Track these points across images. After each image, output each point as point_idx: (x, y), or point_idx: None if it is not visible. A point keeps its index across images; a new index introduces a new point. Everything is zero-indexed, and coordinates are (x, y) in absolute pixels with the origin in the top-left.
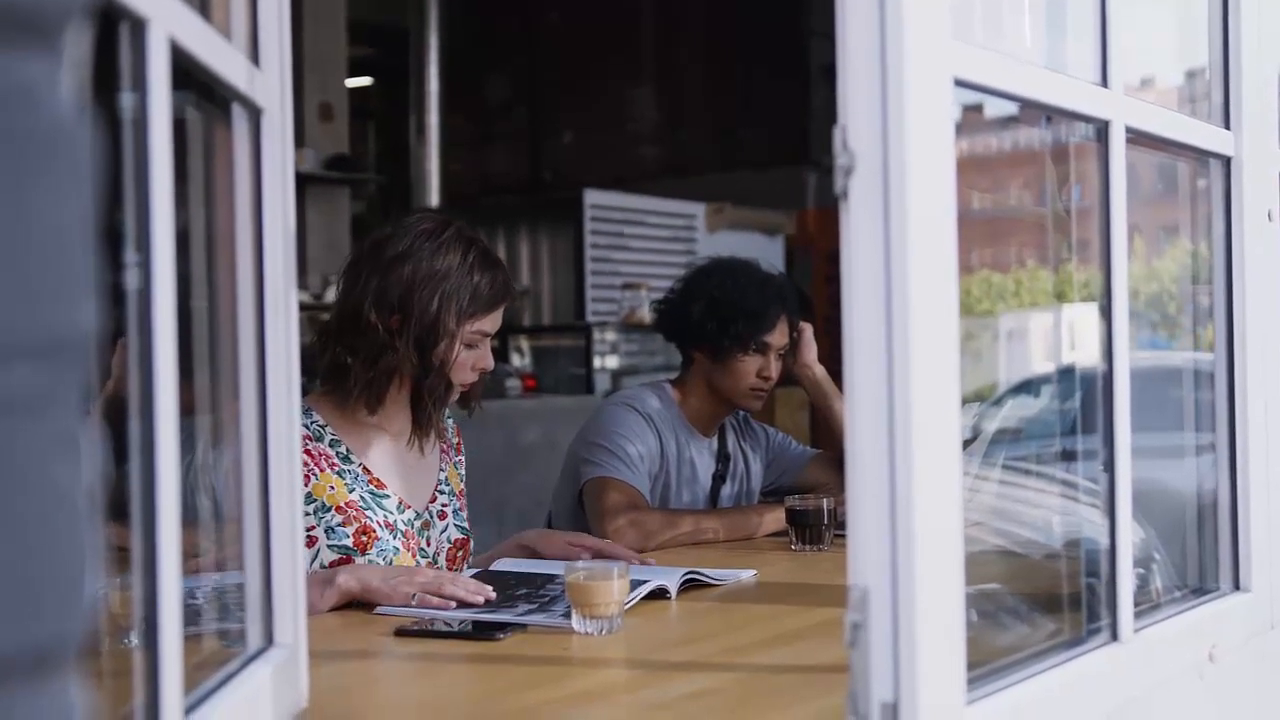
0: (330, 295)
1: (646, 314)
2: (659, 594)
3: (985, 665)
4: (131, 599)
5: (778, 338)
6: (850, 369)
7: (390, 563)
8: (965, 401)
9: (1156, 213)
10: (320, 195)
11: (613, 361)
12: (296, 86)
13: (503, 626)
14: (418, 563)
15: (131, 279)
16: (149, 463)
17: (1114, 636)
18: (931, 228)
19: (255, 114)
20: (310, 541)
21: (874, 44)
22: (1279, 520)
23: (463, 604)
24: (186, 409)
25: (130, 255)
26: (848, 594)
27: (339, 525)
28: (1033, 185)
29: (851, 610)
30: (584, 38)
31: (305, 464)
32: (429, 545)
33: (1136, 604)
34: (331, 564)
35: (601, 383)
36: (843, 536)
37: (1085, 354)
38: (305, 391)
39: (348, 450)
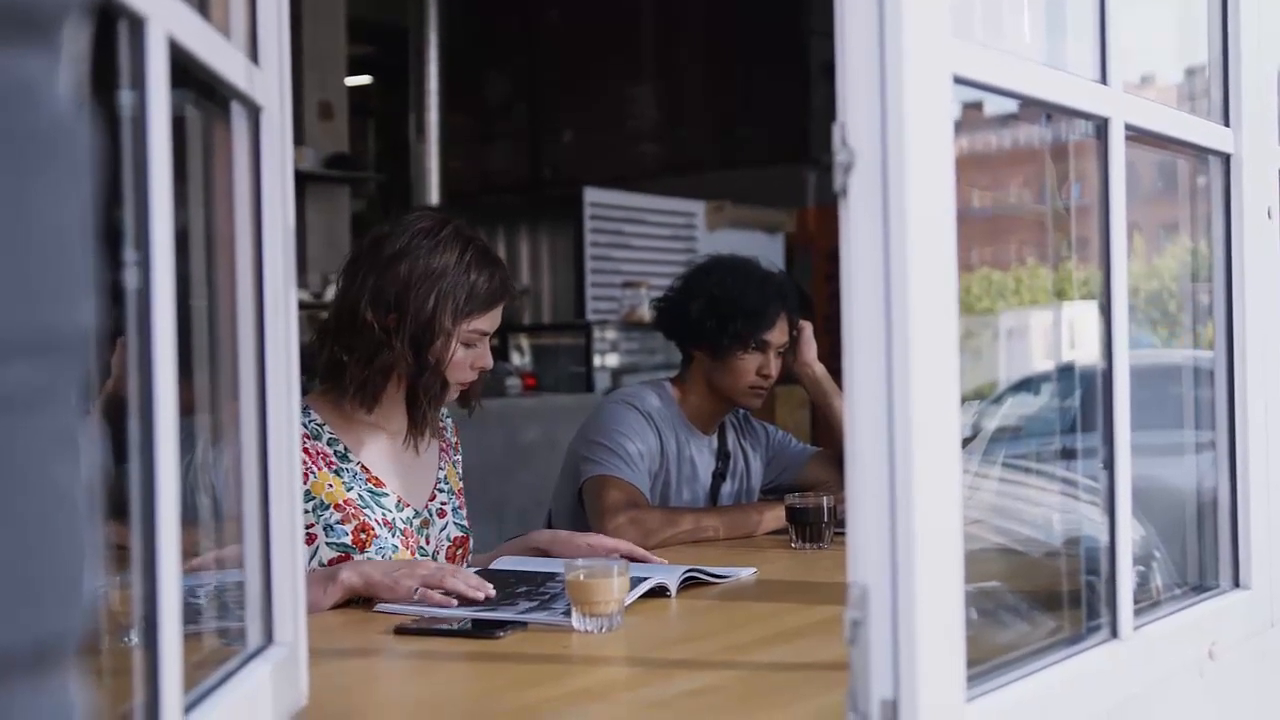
0: (330, 294)
1: (646, 312)
2: (659, 592)
3: (985, 663)
4: (131, 597)
5: (777, 336)
6: (850, 367)
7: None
8: (965, 399)
9: (1157, 210)
10: (320, 194)
11: (613, 360)
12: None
13: (502, 624)
14: None
15: (131, 278)
16: (148, 461)
17: (1114, 634)
18: (931, 225)
19: (254, 112)
20: (309, 539)
21: (873, 42)
22: (1279, 518)
23: (463, 599)
24: (186, 408)
25: (129, 254)
26: (847, 591)
27: (338, 523)
28: (1033, 183)
29: (851, 608)
30: (584, 36)
31: (303, 462)
32: (428, 543)
33: (1136, 601)
34: (330, 562)
35: (601, 381)
36: (843, 534)
37: (1085, 352)
38: (304, 390)
39: (346, 449)
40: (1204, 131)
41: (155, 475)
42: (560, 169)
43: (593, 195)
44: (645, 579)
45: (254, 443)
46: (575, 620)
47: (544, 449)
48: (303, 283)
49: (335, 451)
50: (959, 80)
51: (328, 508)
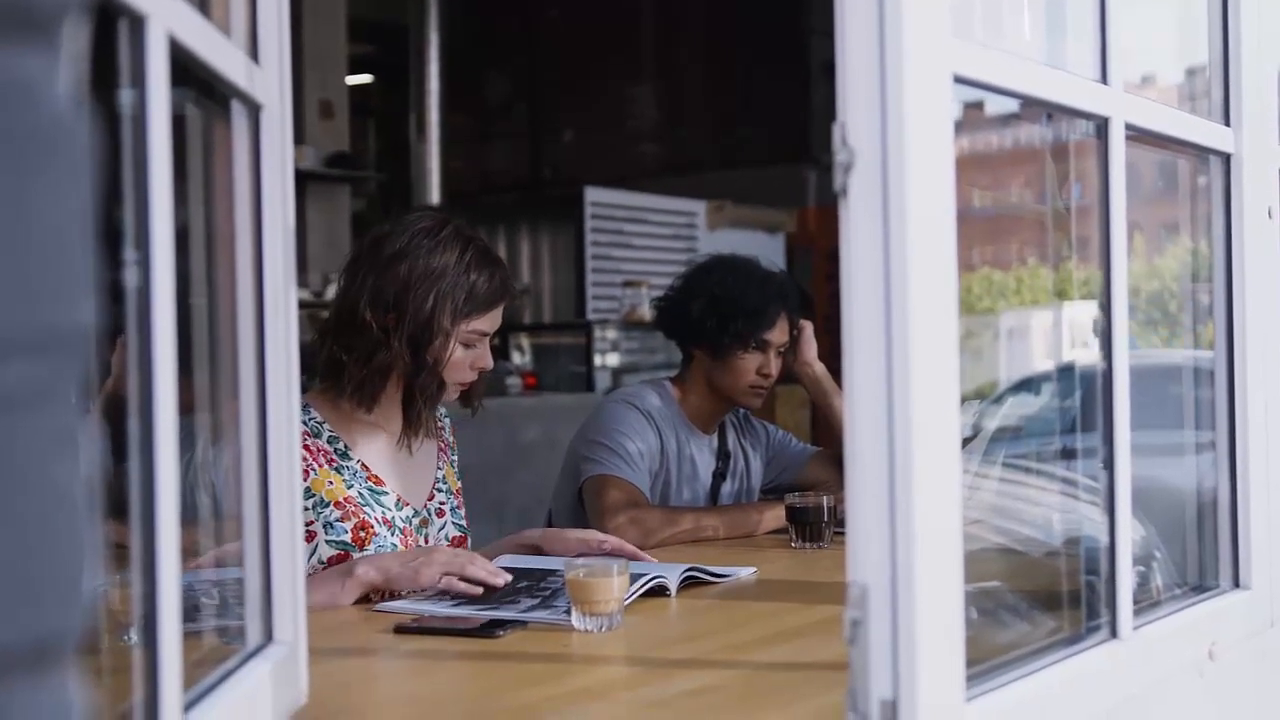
0: (330, 293)
1: (647, 312)
2: (659, 591)
3: (985, 662)
4: (131, 596)
5: (778, 335)
6: (850, 366)
7: None
8: (965, 399)
9: (1158, 210)
10: (320, 193)
11: (613, 359)
12: (297, 84)
13: (502, 623)
14: None
15: (131, 277)
16: (148, 460)
17: (1113, 634)
18: (931, 225)
19: (255, 111)
20: (309, 537)
21: (873, 41)
22: (1279, 518)
23: (485, 587)
24: (186, 407)
25: (129, 253)
26: (847, 591)
27: (337, 521)
28: (1034, 183)
29: (851, 607)
30: (584, 36)
31: (304, 459)
32: (427, 542)
33: (1136, 601)
34: (330, 559)
35: (602, 380)
36: (843, 534)
37: (1085, 352)
38: (304, 389)
39: (346, 447)
40: (1204, 131)
41: (155, 474)
42: (560, 169)
43: (593, 195)
44: (645, 577)
45: (254, 441)
46: (575, 619)
47: (544, 448)
48: (303, 282)
49: (335, 449)
50: (959, 80)
51: (328, 505)
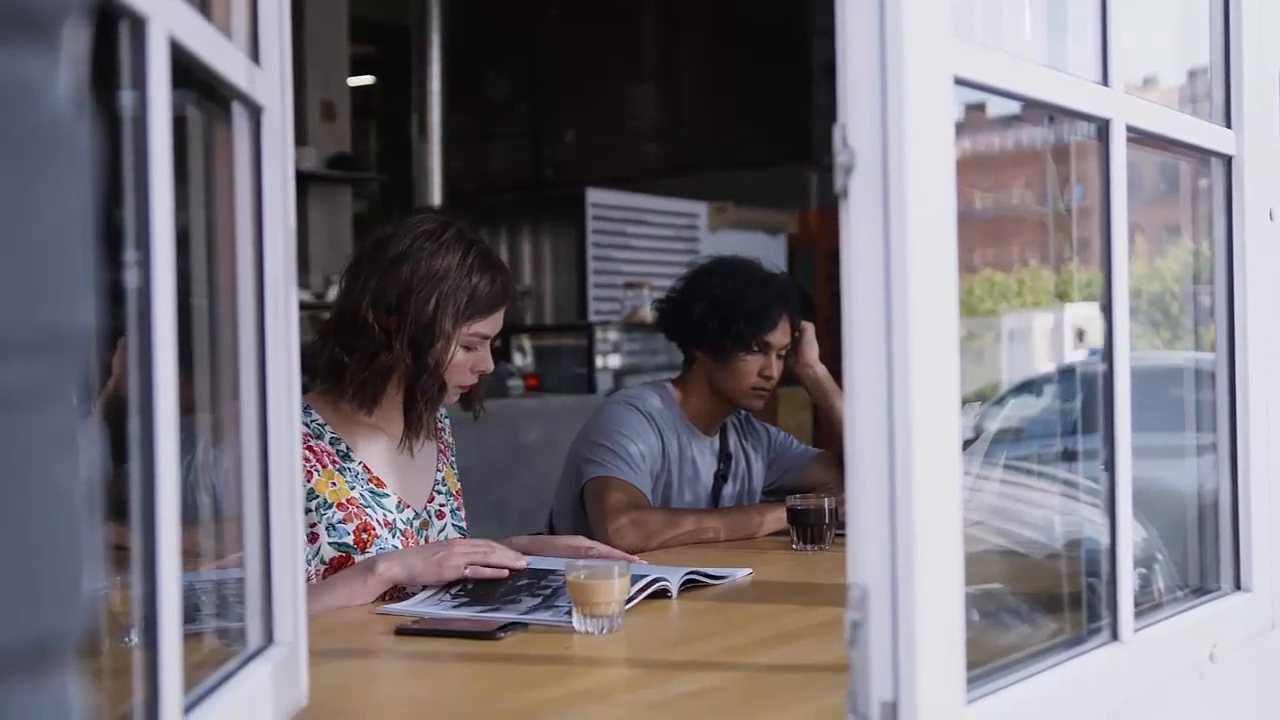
0: (332, 294)
1: (648, 313)
2: (660, 593)
3: (985, 665)
4: (132, 597)
5: (779, 337)
6: (850, 368)
7: None
8: (967, 401)
9: (1160, 212)
10: (322, 194)
11: (615, 361)
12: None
13: (503, 625)
14: None
15: (131, 278)
16: (149, 461)
17: (1114, 636)
18: (931, 226)
19: (255, 112)
20: (312, 539)
21: (874, 42)
22: (1279, 520)
23: (485, 587)
24: (187, 407)
25: (130, 254)
26: (847, 593)
27: (340, 522)
28: (1036, 185)
29: (851, 609)
30: (585, 36)
31: (307, 460)
32: (427, 545)
33: (1138, 604)
34: (332, 561)
35: (603, 382)
36: (844, 536)
37: (1086, 353)
38: (305, 390)
39: (347, 449)
40: (1205, 133)
41: (155, 475)
42: (562, 169)
43: (595, 196)
44: (645, 579)
45: (254, 443)
46: (576, 621)
47: (546, 450)
48: (305, 283)
49: (337, 451)
50: (959, 81)
51: (330, 506)
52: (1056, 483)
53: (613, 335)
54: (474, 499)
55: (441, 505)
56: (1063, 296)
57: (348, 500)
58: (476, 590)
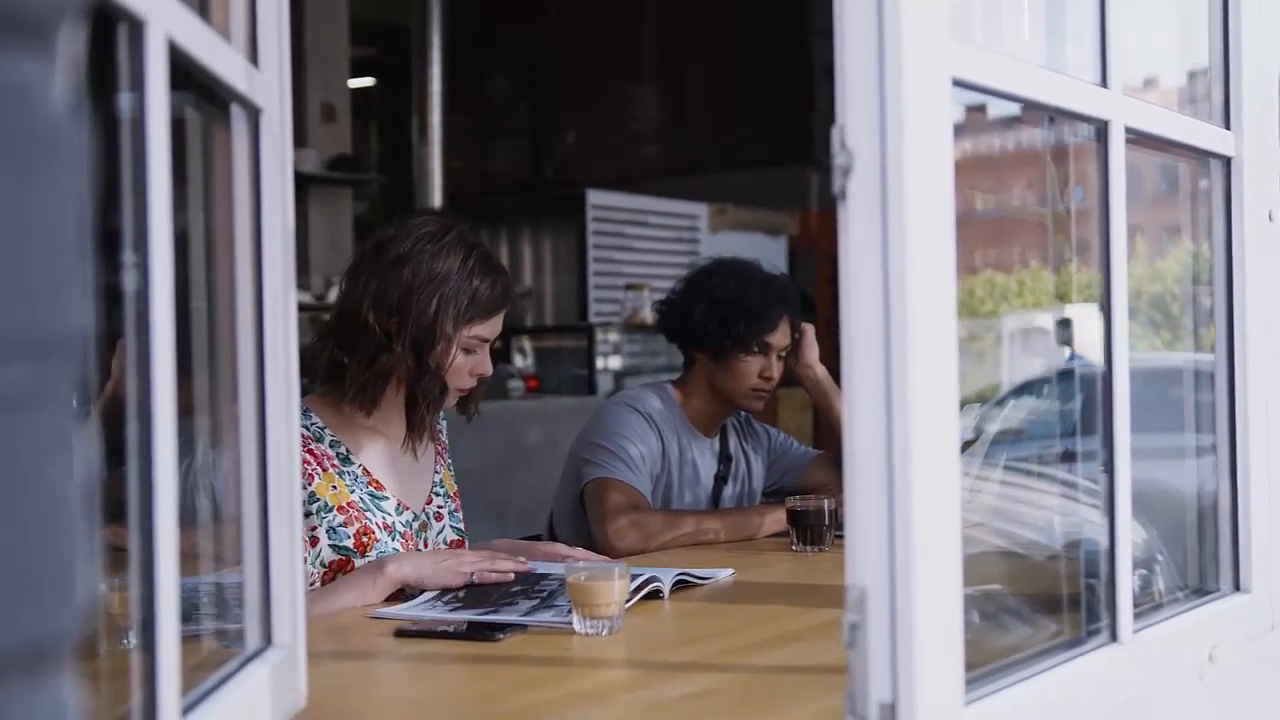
0: (332, 296)
1: (649, 314)
2: (651, 595)
3: (984, 666)
4: (130, 599)
5: (779, 338)
6: (849, 369)
7: None
8: (967, 402)
9: (1160, 213)
10: (323, 195)
11: (615, 362)
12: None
13: (503, 627)
14: None
15: (129, 280)
16: (146, 463)
17: (1113, 637)
18: (930, 228)
19: (254, 114)
20: (312, 542)
21: (872, 44)
22: (1279, 521)
23: (482, 590)
24: (186, 410)
25: (129, 256)
26: (846, 594)
27: (340, 526)
28: (1036, 186)
29: (850, 610)
30: (585, 37)
31: (308, 463)
32: (426, 546)
33: (1138, 605)
34: (332, 564)
35: (604, 383)
36: (843, 537)
37: (1087, 355)
38: (305, 392)
39: (347, 451)
40: (1204, 134)
41: (153, 477)
42: (562, 170)
43: (595, 197)
44: (639, 579)
45: (253, 444)
46: (576, 623)
47: (546, 451)
48: (305, 285)
49: (338, 454)
50: (958, 83)
51: (331, 510)
52: (1056, 484)
53: (613, 336)
54: (474, 500)
55: (440, 507)
56: (1063, 298)
57: (348, 504)
58: (472, 595)
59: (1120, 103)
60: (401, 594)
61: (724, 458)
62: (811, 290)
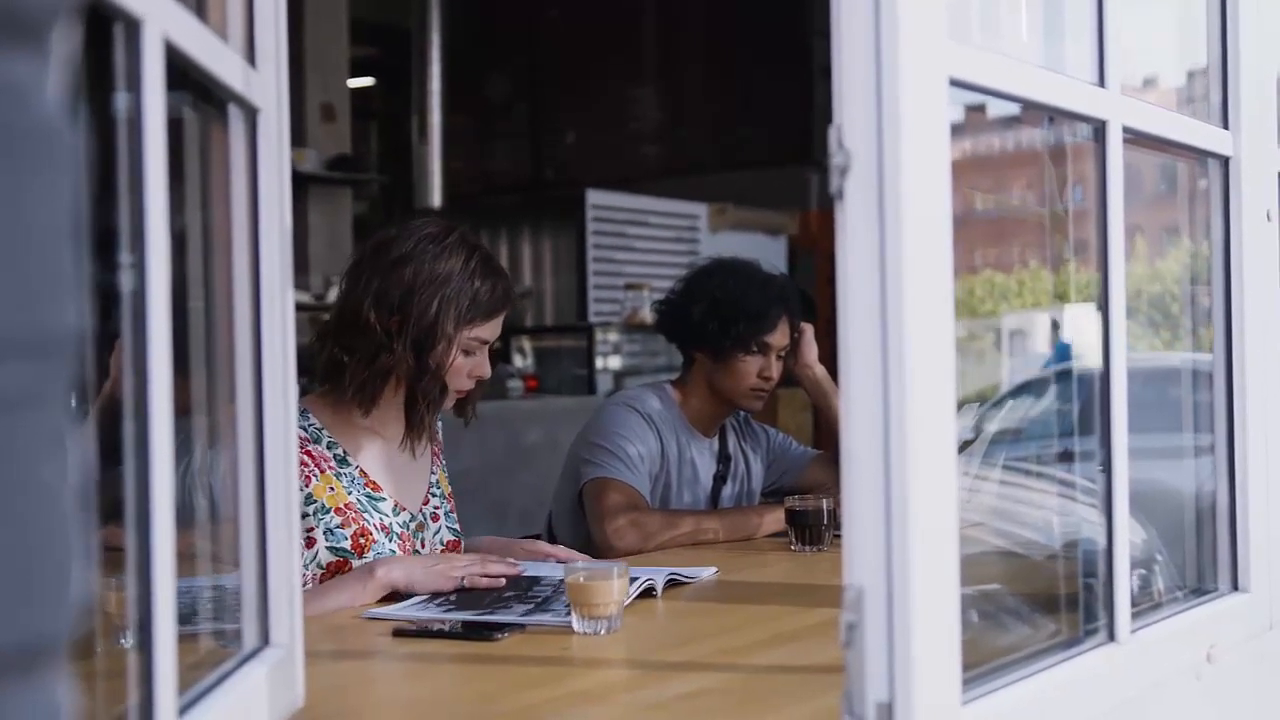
0: (332, 296)
1: (649, 314)
2: (645, 593)
3: (982, 665)
4: (127, 599)
5: (779, 338)
6: (846, 369)
7: None
8: (967, 402)
9: (1160, 213)
10: (322, 195)
11: (615, 362)
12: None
13: (501, 626)
14: None
15: (126, 280)
16: (143, 463)
17: (1111, 637)
18: (927, 227)
19: (251, 114)
20: (309, 543)
21: (869, 44)
22: (1278, 521)
23: (476, 593)
24: (184, 410)
25: (125, 256)
26: (843, 594)
27: (338, 527)
28: (1036, 185)
29: (847, 610)
30: (585, 37)
31: (306, 465)
32: (423, 547)
33: (1137, 604)
34: (330, 565)
35: (604, 383)
36: (841, 537)
37: (1086, 355)
38: (305, 392)
39: (345, 453)
40: (1203, 134)
41: (150, 476)
42: (562, 170)
43: (595, 197)
44: (635, 579)
45: (250, 444)
46: (575, 622)
47: (546, 451)
48: (305, 284)
49: (335, 455)
50: (955, 83)
51: (329, 511)
52: (1055, 483)
53: (613, 336)
54: (474, 499)
55: (436, 508)
56: (1062, 298)
57: (345, 505)
58: (464, 599)
59: (1118, 102)
60: (394, 597)
61: (723, 458)
62: (811, 290)
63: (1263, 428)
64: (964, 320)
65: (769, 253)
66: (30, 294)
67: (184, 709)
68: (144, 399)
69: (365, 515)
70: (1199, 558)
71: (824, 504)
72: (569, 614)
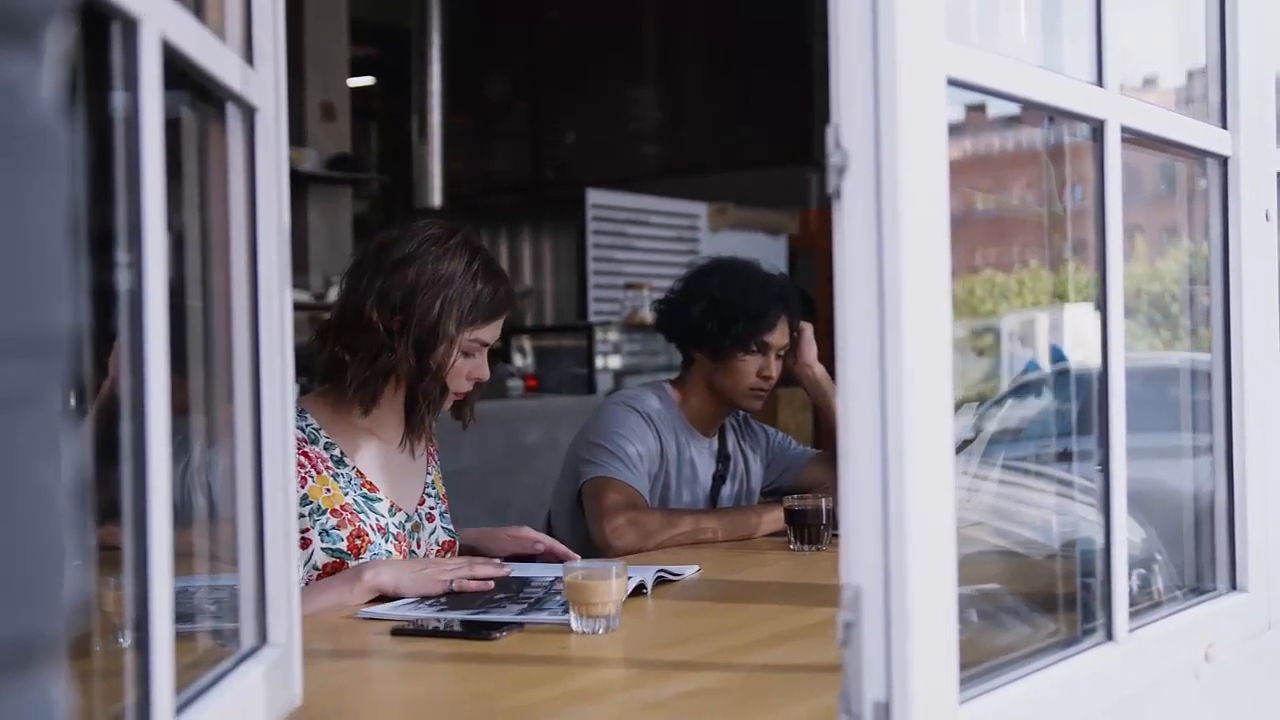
0: (332, 295)
1: (649, 314)
2: (635, 590)
3: (979, 665)
4: (125, 598)
5: (778, 338)
6: (843, 368)
7: None
8: (966, 401)
9: (1160, 213)
10: (322, 195)
11: (615, 362)
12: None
13: (499, 626)
14: None
15: (123, 279)
16: (140, 462)
17: (1109, 636)
18: (925, 227)
19: (249, 113)
20: (304, 544)
21: (867, 43)
22: (1276, 520)
23: (496, 580)
24: (183, 409)
25: (122, 255)
26: (840, 593)
27: (334, 528)
28: (1037, 185)
29: (844, 609)
30: (585, 36)
31: (302, 465)
32: (419, 547)
33: (1136, 604)
34: (325, 567)
35: (604, 383)
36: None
37: (1084, 354)
38: (304, 391)
39: (341, 454)
40: (1201, 134)
41: (147, 475)
42: (562, 170)
43: (595, 197)
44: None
45: (248, 443)
46: (574, 621)
47: (546, 450)
48: (304, 284)
49: (332, 456)
50: (953, 82)
51: (324, 513)
52: (1053, 483)
53: (613, 336)
54: (474, 499)
55: (431, 508)
56: (1061, 297)
57: (341, 506)
58: (454, 601)
59: (1116, 102)
60: (383, 599)
61: (722, 457)
62: (811, 289)
63: (1261, 427)
64: (964, 320)
65: (769, 252)
66: (25, 293)
67: (181, 708)
68: (141, 398)
69: (361, 516)
70: (1197, 557)
71: (823, 503)
72: (565, 613)
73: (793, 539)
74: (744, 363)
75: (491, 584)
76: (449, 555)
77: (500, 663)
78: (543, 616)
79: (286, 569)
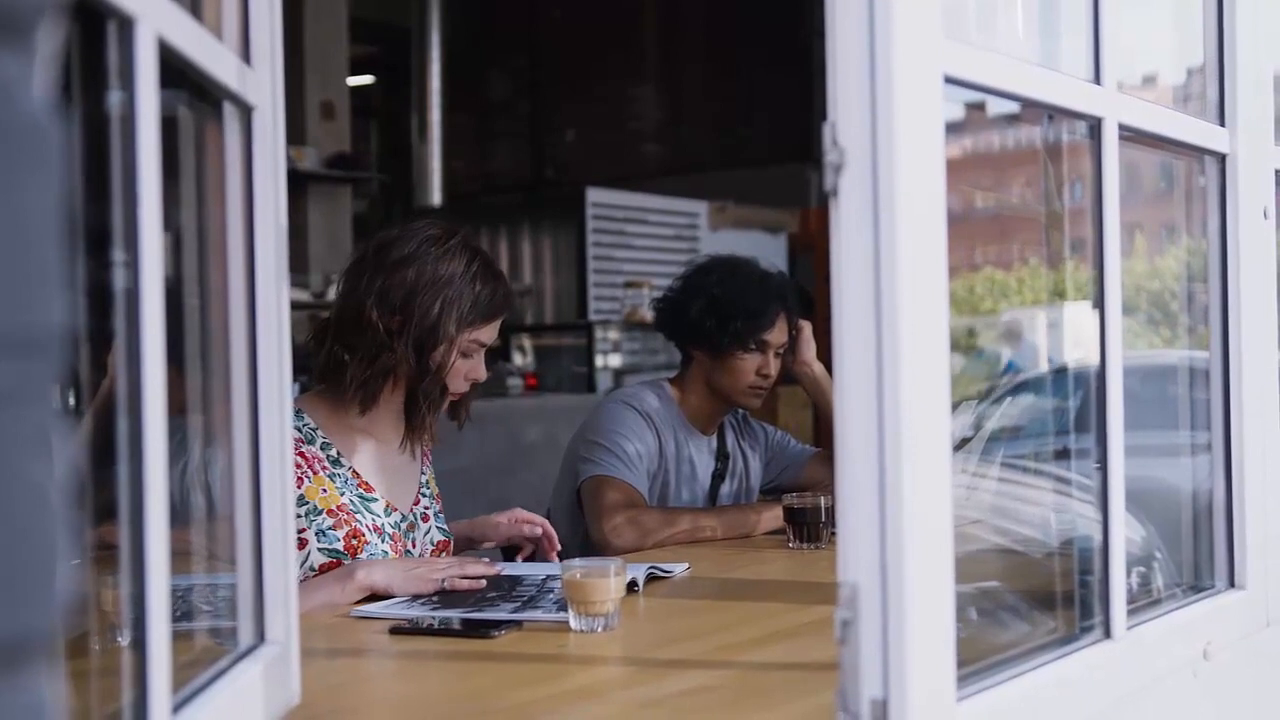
0: (331, 294)
1: (648, 312)
2: (629, 587)
3: (977, 662)
4: (122, 596)
5: (777, 336)
6: (840, 366)
7: None
8: (966, 399)
9: (1159, 211)
10: (322, 194)
11: (615, 360)
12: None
13: (498, 624)
14: None
15: (119, 278)
16: (137, 460)
17: (1107, 634)
18: (921, 225)
19: (246, 112)
20: (301, 544)
21: (863, 41)
22: (1275, 518)
23: (488, 579)
24: (181, 409)
25: (118, 254)
26: (838, 591)
27: (330, 529)
28: (1036, 183)
29: (841, 607)
30: (585, 35)
31: (299, 465)
32: (414, 547)
33: (1134, 601)
34: (322, 567)
35: (603, 381)
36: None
37: (1083, 351)
38: (303, 390)
39: (338, 453)
40: (1199, 131)
41: (144, 474)
42: (562, 169)
43: (595, 195)
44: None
45: (246, 442)
46: (573, 620)
47: (545, 449)
48: (304, 282)
49: (328, 456)
50: (950, 80)
51: (321, 513)
52: (1052, 480)
53: (613, 334)
54: (474, 499)
55: (426, 508)
56: (1060, 295)
57: (338, 507)
58: (447, 600)
59: (1113, 99)
60: (375, 599)
61: (721, 455)
62: (811, 288)
63: (1260, 425)
64: (964, 317)
65: (769, 250)
66: (16, 292)
67: (178, 706)
68: (138, 397)
69: (358, 516)
70: (1196, 555)
71: (822, 502)
72: (560, 611)
73: (791, 537)
74: (743, 361)
75: (483, 583)
76: (443, 555)
77: (499, 661)
78: (541, 614)
79: (284, 567)
